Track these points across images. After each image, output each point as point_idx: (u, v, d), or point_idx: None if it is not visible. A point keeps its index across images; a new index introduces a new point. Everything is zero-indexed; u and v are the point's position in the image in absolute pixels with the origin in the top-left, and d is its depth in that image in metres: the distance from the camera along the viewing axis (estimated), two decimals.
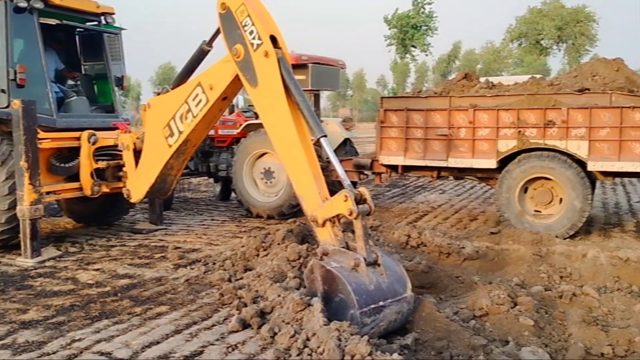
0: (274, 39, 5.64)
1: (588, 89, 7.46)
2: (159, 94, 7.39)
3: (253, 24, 5.65)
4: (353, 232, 4.89)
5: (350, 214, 4.75)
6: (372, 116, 73.06)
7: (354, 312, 4.47)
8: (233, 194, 11.17)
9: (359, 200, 4.84)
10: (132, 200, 7.81)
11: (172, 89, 7.07)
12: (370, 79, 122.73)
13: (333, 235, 5.00)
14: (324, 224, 5.04)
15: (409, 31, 61.83)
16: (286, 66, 5.56)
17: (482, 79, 8.68)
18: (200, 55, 6.87)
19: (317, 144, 5.42)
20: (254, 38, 5.63)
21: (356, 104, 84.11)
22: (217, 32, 6.26)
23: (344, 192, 4.84)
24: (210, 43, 6.72)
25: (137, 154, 7.59)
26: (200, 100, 6.55)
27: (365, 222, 4.87)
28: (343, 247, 4.88)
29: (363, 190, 4.93)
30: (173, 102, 6.86)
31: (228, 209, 10.92)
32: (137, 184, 7.58)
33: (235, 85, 6.34)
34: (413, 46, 64.39)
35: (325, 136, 5.35)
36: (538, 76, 9.52)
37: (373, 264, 4.74)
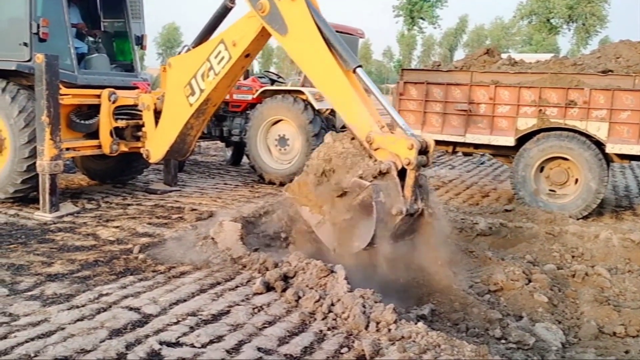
0: None
1: (611, 71, 7.44)
2: (179, 53, 7.40)
3: None
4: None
5: (408, 164, 4.66)
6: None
7: (359, 245, 4.55)
8: (244, 159, 11.20)
9: (422, 150, 4.75)
10: (151, 161, 7.85)
11: (194, 47, 7.07)
12: (376, 50, 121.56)
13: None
14: (376, 150, 4.92)
15: (417, 2, 61.03)
16: (312, 6, 5.65)
17: (504, 56, 8.63)
18: (223, 13, 6.90)
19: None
20: None
21: None
22: None
23: (411, 139, 4.73)
24: (233, 0, 6.72)
25: (157, 114, 7.59)
26: (222, 58, 6.54)
27: (419, 174, 4.76)
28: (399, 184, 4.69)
29: (430, 141, 4.83)
30: (195, 60, 6.86)
31: (239, 174, 10.96)
32: (156, 143, 7.62)
33: (259, 41, 6.40)
34: (421, 18, 63.64)
35: (360, 66, 5.37)
36: (558, 55, 9.47)
37: (411, 215, 4.72)
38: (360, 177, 4.74)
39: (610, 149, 7.38)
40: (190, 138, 7.52)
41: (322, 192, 5.01)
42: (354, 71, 5.37)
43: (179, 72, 7.10)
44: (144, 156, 7.83)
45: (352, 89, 5.30)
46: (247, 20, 6.29)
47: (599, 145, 7.49)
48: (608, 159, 7.71)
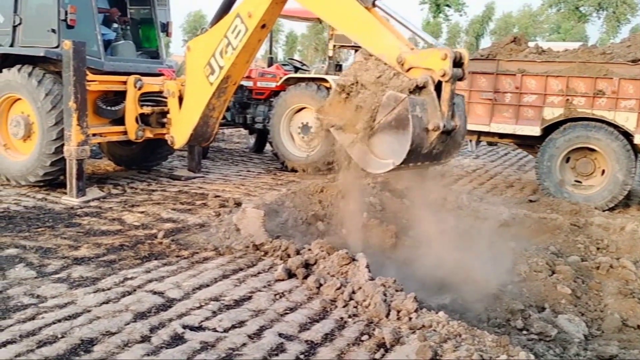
0: None
1: None
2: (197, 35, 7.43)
3: None
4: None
5: (443, 75, 4.53)
6: None
7: (393, 162, 4.50)
8: (267, 147, 11.24)
9: (457, 63, 4.63)
10: (175, 146, 7.96)
11: (211, 27, 7.13)
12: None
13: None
14: (409, 70, 4.74)
15: None
16: None
17: (532, 44, 8.49)
18: None
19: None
20: None
21: None
22: None
23: (444, 49, 4.61)
24: None
25: (182, 101, 7.66)
26: (239, 31, 6.61)
27: (454, 87, 4.62)
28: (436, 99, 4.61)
29: (464, 52, 4.71)
30: (212, 39, 6.94)
31: (262, 161, 11.01)
32: (180, 128, 7.71)
33: (273, 8, 6.46)
34: (447, 5, 62.75)
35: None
36: (587, 44, 9.29)
37: (447, 132, 4.65)
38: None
39: (639, 139, 7.24)
40: (212, 120, 7.63)
41: (355, 109, 4.90)
42: (374, 5, 5.26)
43: (198, 53, 7.17)
44: (169, 142, 7.91)
45: (374, 19, 5.20)
46: None
47: (627, 136, 7.36)
48: (636, 150, 7.57)
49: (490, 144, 11.02)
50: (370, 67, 4.99)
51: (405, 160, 4.56)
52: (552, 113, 7.68)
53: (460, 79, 4.68)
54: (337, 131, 5.02)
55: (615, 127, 7.39)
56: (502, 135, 8.34)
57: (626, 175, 7.39)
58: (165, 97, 7.85)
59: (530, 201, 7.77)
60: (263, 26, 6.64)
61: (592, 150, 7.61)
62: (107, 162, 9.61)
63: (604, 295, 5.35)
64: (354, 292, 4.32)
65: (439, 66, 4.56)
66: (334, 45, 10.00)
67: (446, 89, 4.55)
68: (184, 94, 7.68)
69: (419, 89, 4.62)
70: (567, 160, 7.81)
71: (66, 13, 7.14)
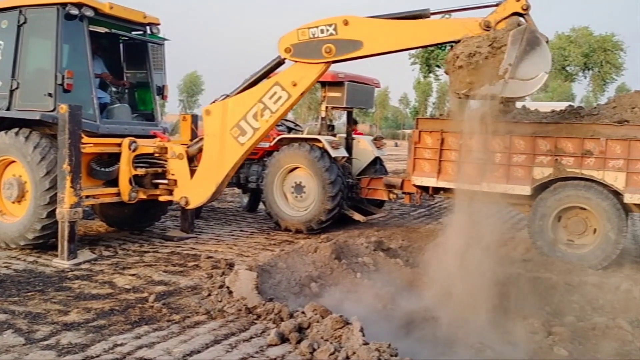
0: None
1: (627, 121, 7.43)
2: (214, 101, 7.92)
3: (317, 26, 7.07)
4: None
5: (527, 9, 6.04)
6: (392, 133, 73.21)
7: (544, 71, 5.94)
8: (260, 206, 11.26)
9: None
10: (190, 207, 8.21)
11: (235, 94, 7.72)
12: (393, 96, 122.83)
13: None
14: (498, 24, 6.15)
15: (434, 50, 61.86)
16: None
17: (519, 105, 8.67)
18: (275, 67, 7.66)
19: None
20: (327, 30, 7.00)
21: (377, 121, 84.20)
22: None
23: None
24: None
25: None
26: (279, 97, 7.40)
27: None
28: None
29: None
30: (243, 104, 7.59)
31: (256, 220, 11.00)
32: (198, 188, 7.94)
33: (317, 79, 7.63)
34: (437, 65, 64.38)
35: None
36: (573, 104, 9.50)
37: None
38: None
39: (628, 199, 7.31)
40: (227, 179, 7.96)
41: (480, 70, 6.01)
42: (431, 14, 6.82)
43: (223, 116, 7.66)
44: (182, 204, 8.09)
45: (434, 20, 6.81)
46: (305, 65, 7.29)
47: (617, 195, 7.43)
48: (627, 208, 7.63)
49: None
50: (469, 42, 6.15)
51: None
52: (542, 173, 7.76)
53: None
54: (476, 92, 6.13)
55: (605, 186, 7.47)
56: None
57: (618, 234, 7.42)
58: (162, 159, 7.96)
59: (524, 260, 7.75)
60: (302, 93, 7.52)
61: (583, 209, 7.66)
62: (99, 223, 9.58)
63: (601, 357, 5.28)
64: (348, 358, 4.23)
65: (518, 6, 6.10)
66: (327, 107, 10.20)
67: (529, 20, 6.13)
68: (191, 154, 8.01)
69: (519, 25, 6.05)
70: (559, 219, 7.84)
71: (63, 77, 7.28)
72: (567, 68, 63.74)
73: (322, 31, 6.98)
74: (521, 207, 8.67)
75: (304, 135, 10.29)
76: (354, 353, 4.25)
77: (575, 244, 7.81)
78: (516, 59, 5.85)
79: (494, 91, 6.03)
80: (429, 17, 6.87)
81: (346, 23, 6.89)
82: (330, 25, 6.95)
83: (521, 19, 6.17)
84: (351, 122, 11.23)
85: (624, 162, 7.30)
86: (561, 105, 9.19)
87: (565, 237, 7.86)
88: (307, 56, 7.16)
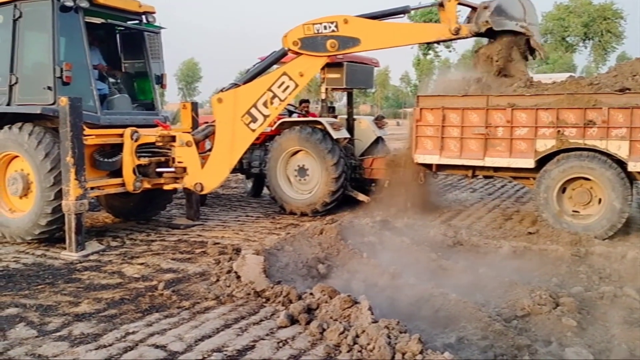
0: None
1: (629, 89, 7.38)
2: (222, 90, 8.31)
3: (321, 23, 7.90)
4: None
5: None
6: (393, 113, 72.93)
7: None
8: (265, 191, 11.29)
9: None
10: (205, 192, 8.47)
11: (244, 84, 8.16)
12: (394, 75, 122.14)
13: None
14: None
15: None
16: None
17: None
18: (281, 56, 8.35)
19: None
20: (329, 27, 7.86)
21: (378, 101, 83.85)
22: None
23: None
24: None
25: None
26: (288, 87, 8.02)
27: None
28: None
29: None
30: (253, 92, 8.07)
31: (260, 205, 11.04)
32: (212, 173, 8.19)
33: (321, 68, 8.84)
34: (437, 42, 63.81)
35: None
36: (574, 75, 9.44)
37: None
38: None
39: (632, 167, 7.29)
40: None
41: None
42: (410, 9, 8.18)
43: (234, 104, 8.06)
44: (197, 190, 8.24)
45: (416, 24, 8.66)
46: (310, 57, 8.05)
47: (621, 164, 7.41)
48: (631, 177, 7.61)
49: (486, 177, 11.02)
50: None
51: None
52: (545, 145, 7.74)
53: None
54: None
55: (609, 155, 7.45)
56: (497, 169, 8.39)
57: (623, 203, 7.41)
58: (165, 148, 7.99)
59: (530, 233, 7.77)
60: (306, 82, 8.32)
61: (588, 179, 7.65)
62: (105, 215, 9.62)
63: (610, 326, 5.30)
64: (357, 336, 4.28)
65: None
66: (326, 88, 10.15)
67: None
68: (198, 141, 8.23)
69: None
70: (564, 190, 7.84)
71: (62, 70, 7.27)
72: (568, 39, 63.14)
73: (325, 27, 7.83)
74: (525, 180, 8.67)
75: (305, 119, 10.26)
76: (364, 331, 4.28)
77: (580, 214, 7.82)
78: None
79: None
80: (409, 12, 8.20)
81: (346, 22, 7.79)
82: (331, 22, 7.81)
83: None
84: (352, 103, 11.19)
85: (626, 130, 7.28)
86: (562, 77, 9.15)
87: (570, 208, 7.86)
88: (313, 49, 7.94)
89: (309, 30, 7.91)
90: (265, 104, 8.00)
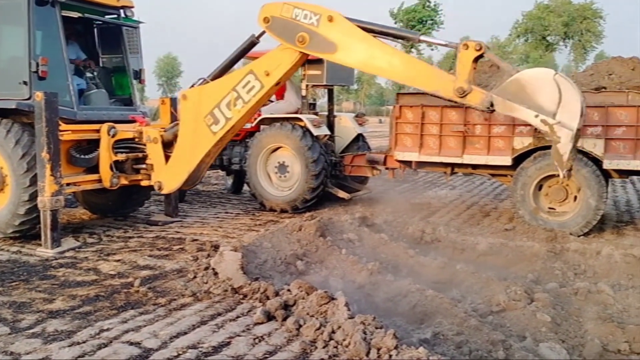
0: None
1: (604, 88, 7.50)
2: (192, 85, 7.67)
3: (303, 9, 6.65)
4: None
5: (480, 49, 5.84)
6: (375, 110, 73.09)
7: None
8: (245, 187, 11.25)
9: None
10: (164, 192, 8.05)
11: (212, 79, 7.40)
12: None
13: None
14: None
15: (415, 25, 61.56)
16: (348, 19, 6.51)
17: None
18: (248, 47, 7.38)
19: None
20: (310, 18, 6.58)
21: (362, 98, 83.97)
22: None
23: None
24: (259, 37, 7.22)
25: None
26: (252, 87, 7.04)
27: None
28: None
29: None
30: (217, 91, 7.24)
31: (240, 202, 11.00)
32: (172, 174, 7.77)
33: (293, 69, 7.14)
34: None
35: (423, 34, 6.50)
36: None
37: None
38: None
39: (607, 165, 7.40)
40: (204, 166, 7.77)
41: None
42: (419, 41, 6.69)
43: (198, 103, 7.37)
44: (156, 188, 7.96)
45: (418, 62, 6.34)
46: (280, 52, 6.92)
47: (596, 161, 7.51)
48: (606, 174, 7.72)
49: (466, 174, 11.13)
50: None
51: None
52: (522, 142, 7.83)
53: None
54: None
55: (584, 153, 7.54)
56: (475, 166, 8.46)
57: (598, 201, 7.52)
58: (140, 144, 7.87)
59: (507, 230, 7.85)
60: (277, 83, 7.14)
61: None
62: (82, 211, 9.52)
63: (584, 321, 5.37)
64: (333, 332, 4.29)
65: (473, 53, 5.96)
66: (307, 85, 10.14)
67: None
68: (166, 139, 7.81)
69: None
70: (540, 187, 7.93)
71: (37, 65, 7.16)
72: (548, 38, 63.82)
73: (305, 16, 6.61)
74: (503, 177, 8.75)
75: (285, 115, 10.24)
76: (340, 327, 4.29)
77: (556, 211, 7.91)
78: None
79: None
80: (416, 41, 7.09)
81: (330, 19, 6.53)
82: (315, 14, 6.58)
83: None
84: (332, 100, 11.19)
85: (602, 129, 7.38)
86: None
87: (546, 205, 7.95)
88: (280, 35, 6.82)
89: (287, 11, 6.70)
90: (228, 105, 7.17)
